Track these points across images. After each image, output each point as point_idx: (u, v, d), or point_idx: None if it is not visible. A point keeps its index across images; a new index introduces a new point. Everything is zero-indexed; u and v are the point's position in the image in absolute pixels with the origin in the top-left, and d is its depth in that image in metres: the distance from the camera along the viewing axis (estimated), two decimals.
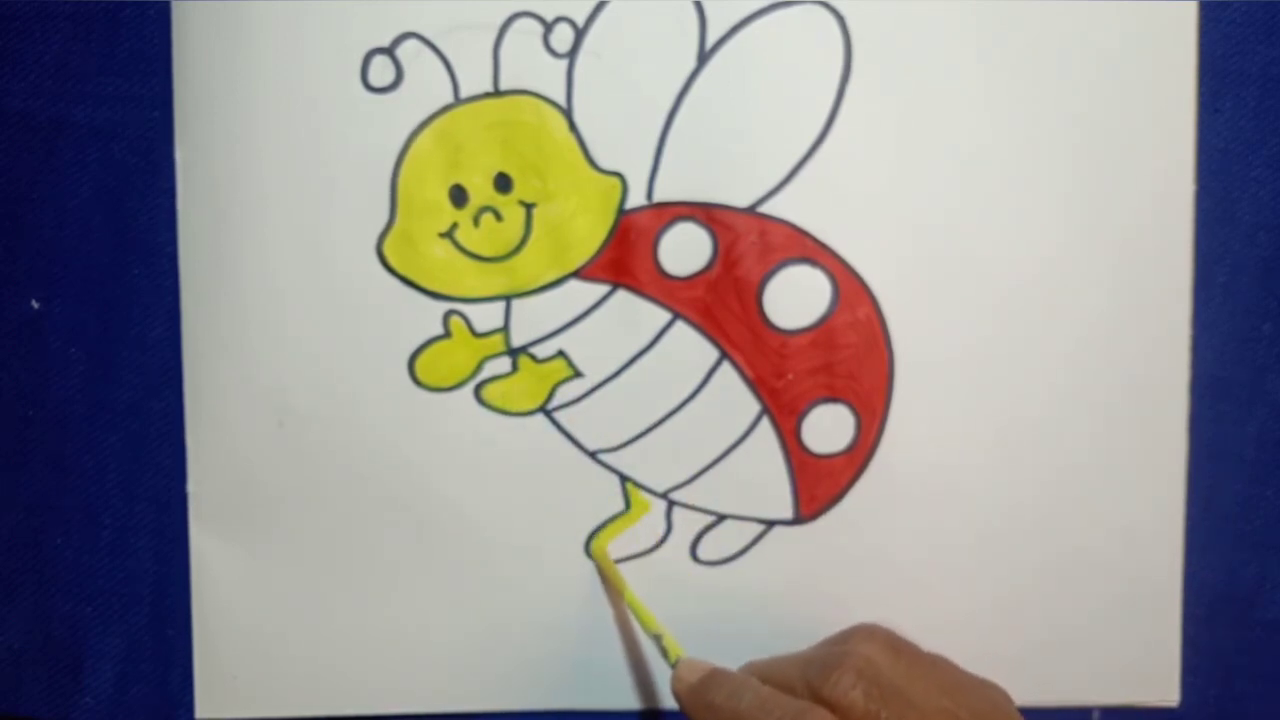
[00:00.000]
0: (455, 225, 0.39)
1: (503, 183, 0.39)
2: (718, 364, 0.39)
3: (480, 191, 0.39)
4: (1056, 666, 0.40)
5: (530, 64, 0.39)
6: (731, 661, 0.37)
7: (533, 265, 0.39)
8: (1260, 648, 0.41)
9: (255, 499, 0.40)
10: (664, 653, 0.37)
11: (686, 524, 0.40)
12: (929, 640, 0.37)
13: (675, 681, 0.35)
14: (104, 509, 0.41)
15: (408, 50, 0.39)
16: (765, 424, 0.40)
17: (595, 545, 0.40)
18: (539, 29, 0.39)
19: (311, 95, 0.39)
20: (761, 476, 0.40)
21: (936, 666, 0.35)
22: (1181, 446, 0.40)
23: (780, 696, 0.32)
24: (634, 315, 0.39)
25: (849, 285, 0.39)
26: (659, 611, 0.40)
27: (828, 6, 0.39)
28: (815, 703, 0.32)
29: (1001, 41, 0.39)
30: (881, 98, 0.39)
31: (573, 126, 0.39)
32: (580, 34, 0.39)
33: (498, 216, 0.39)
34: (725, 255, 0.39)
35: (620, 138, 0.39)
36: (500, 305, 0.39)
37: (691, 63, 0.39)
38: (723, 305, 0.39)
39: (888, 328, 0.39)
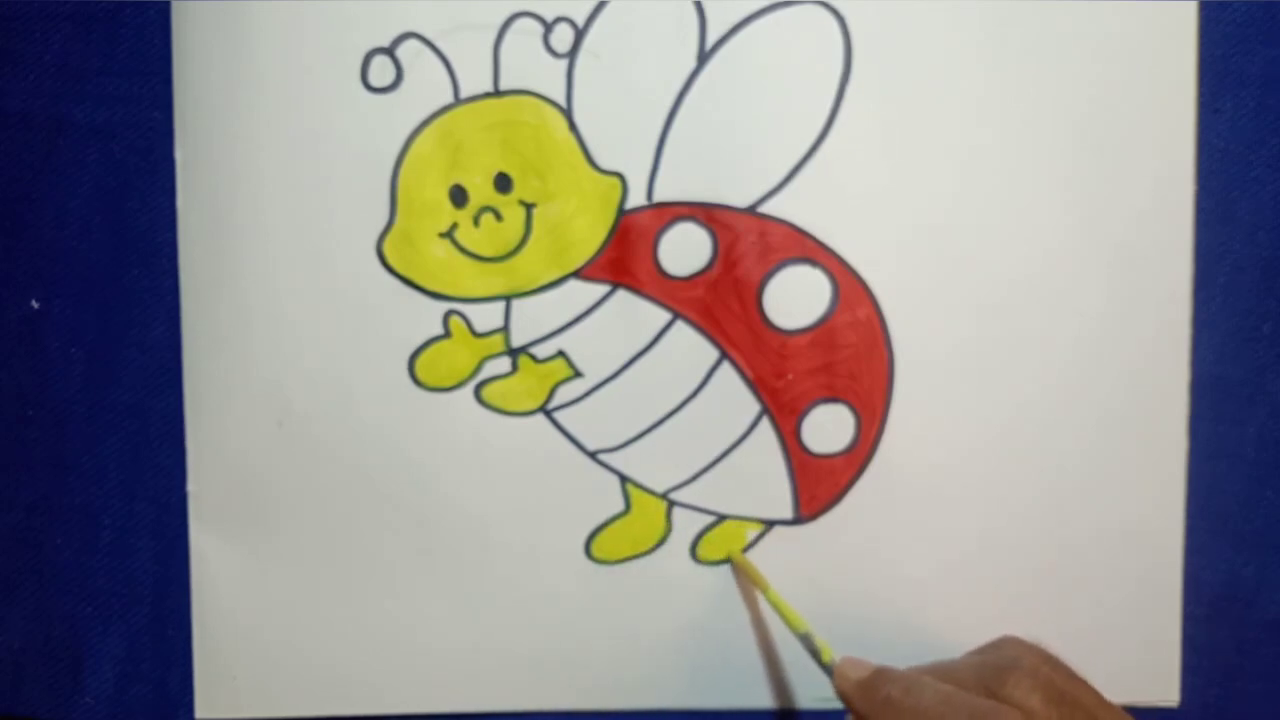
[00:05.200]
0: (455, 225, 0.39)
1: (503, 183, 0.39)
2: (718, 364, 0.39)
3: (480, 191, 0.39)
4: None
5: (530, 64, 0.39)
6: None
7: (533, 265, 0.39)
8: (1260, 648, 0.41)
9: (255, 499, 0.40)
10: (814, 652, 0.36)
11: (686, 524, 0.40)
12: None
13: (840, 679, 0.35)
14: (104, 509, 0.41)
15: (408, 50, 0.39)
16: (765, 424, 0.40)
17: (731, 552, 0.40)
18: (539, 29, 0.39)
19: (311, 95, 0.39)
20: (761, 476, 0.40)
21: (1086, 684, 0.34)
22: (1181, 446, 0.40)
23: (965, 694, 0.32)
24: (634, 315, 0.39)
25: (849, 285, 0.39)
26: (659, 611, 0.40)
27: (828, 6, 0.39)
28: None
29: (1001, 41, 0.39)
30: (881, 98, 0.39)
31: (573, 126, 0.39)
32: (580, 34, 0.39)
33: (498, 216, 0.39)
34: (725, 255, 0.39)
35: (620, 138, 0.39)
36: (500, 305, 0.39)
37: (691, 63, 0.39)
38: (723, 305, 0.39)
39: (888, 328, 0.39)
